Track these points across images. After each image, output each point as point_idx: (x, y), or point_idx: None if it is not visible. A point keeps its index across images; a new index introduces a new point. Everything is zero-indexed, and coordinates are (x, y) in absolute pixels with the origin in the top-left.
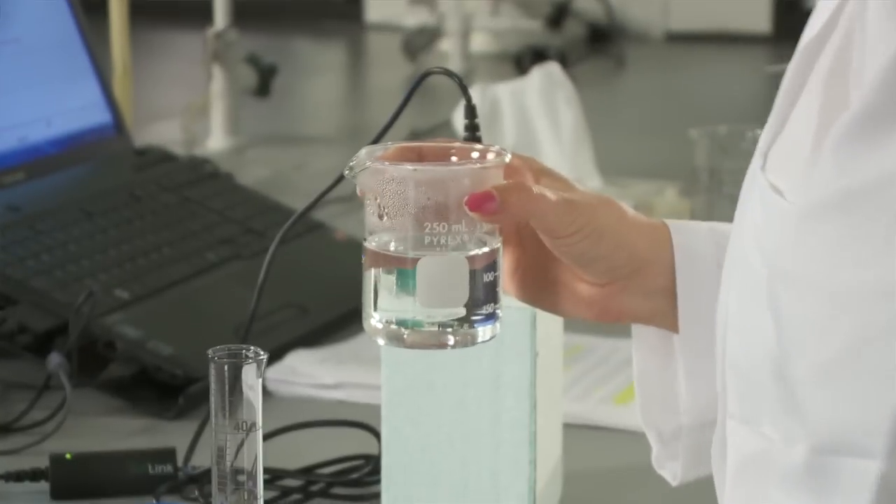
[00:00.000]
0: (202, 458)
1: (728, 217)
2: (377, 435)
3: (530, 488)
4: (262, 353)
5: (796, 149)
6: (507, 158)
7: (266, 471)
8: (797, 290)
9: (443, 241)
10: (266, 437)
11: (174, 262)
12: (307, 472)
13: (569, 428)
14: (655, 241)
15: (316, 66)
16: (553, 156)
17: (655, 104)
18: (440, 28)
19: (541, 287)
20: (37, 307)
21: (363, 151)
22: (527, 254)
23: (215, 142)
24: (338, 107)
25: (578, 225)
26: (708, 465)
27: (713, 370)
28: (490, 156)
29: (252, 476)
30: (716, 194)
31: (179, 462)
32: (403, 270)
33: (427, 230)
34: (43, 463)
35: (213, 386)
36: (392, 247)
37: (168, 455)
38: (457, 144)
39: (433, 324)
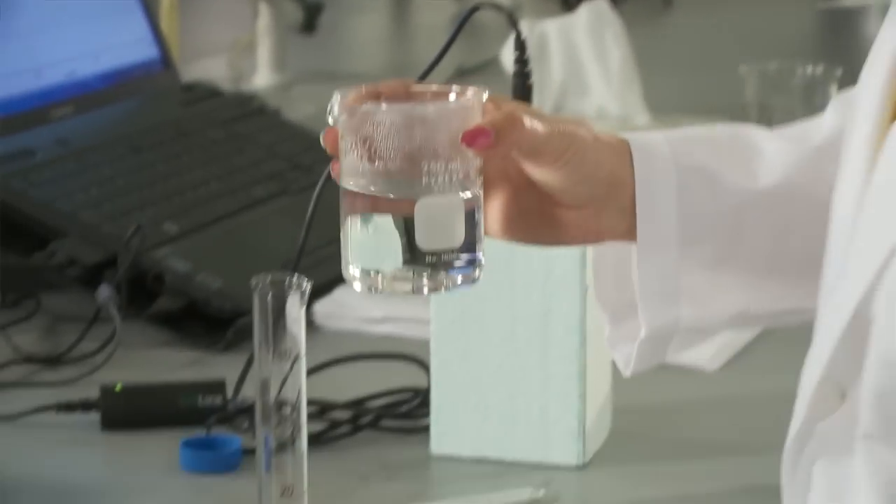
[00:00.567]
0: (251, 390)
1: None
2: (426, 368)
3: (580, 422)
4: (305, 281)
5: None
6: (486, 95)
7: (314, 403)
8: None
9: (440, 180)
10: (314, 370)
11: (222, 197)
12: (356, 404)
13: None
14: (623, 157)
15: (362, 3)
16: (601, 93)
17: (704, 41)
18: None
19: (524, 223)
20: (86, 240)
21: (337, 96)
22: (510, 191)
23: (261, 78)
24: (384, 43)
25: (563, 149)
26: (660, 356)
27: (665, 266)
28: (469, 92)
29: (296, 408)
30: None
31: (229, 394)
32: (381, 215)
33: (424, 170)
34: (93, 394)
35: (256, 316)
36: (382, 190)
37: (218, 387)
38: (421, 87)
39: (415, 268)
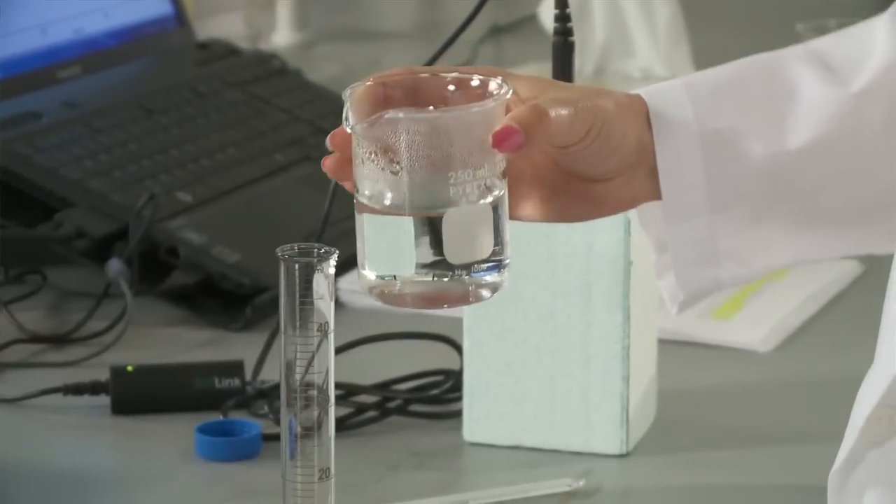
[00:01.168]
0: (271, 372)
1: None
2: (458, 349)
3: (623, 407)
4: (333, 251)
5: None
6: (508, 88)
7: (339, 386)
8: None
9: (467, 189)
10: (339, 350)
11: (240, 164)
12: (383, 387)
13: (663, 344)
14: (644, 117)
15: None
16: (647, 53)
17: None
18: None
19: (555, 203)
20: (95, 210)
21: (348, 92)
22: (537, 174)
23: (281, 36)
24: None
25: (587, 127)
26: (705, 285)
27: (698, 234)
28: (492, 85)
29: (323, 390)
30: None
31: (247, 376)
32: (401, 222)
33: (451, 181)
34: (103, 375)
35: (282, 289)
36: (405, 201)
37: (236, 368)
38: (430, 73)
39: (436, 273)
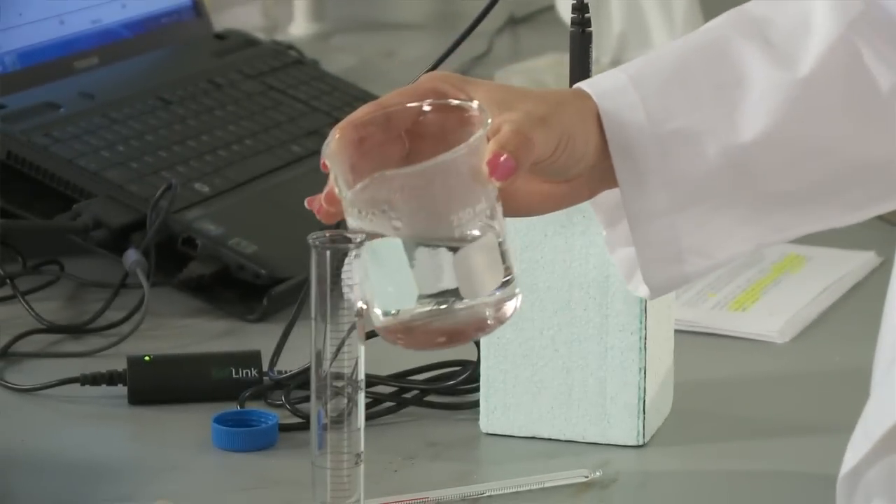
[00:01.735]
0: (288, 363)
1: None
2: (476, 340)
3: (639, 398)
4: (363, 237)
5: None
6: (476, 105)
7: None
8: None
9: (471, 227)
10: None
11: (257, 155)
12: (400, 378)
13: (680, 335)
14: (597, 118)
15: None
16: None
17: None
18: None
19: (516, 205)
20: (112, 201)
21: (328, 161)
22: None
23: (298, 27)
24: None
25: (555, 143)
26: (673, 282)
27: (661, 234)
28: (472, 111)
29: (353, 381)
30: None
31: (264, 366)
32: (400, 262)
33: (455, 223)
34: (120, 366)
35: (313, 276)
36: (410, 249)
37: (253, 358)
38: (397, 104)
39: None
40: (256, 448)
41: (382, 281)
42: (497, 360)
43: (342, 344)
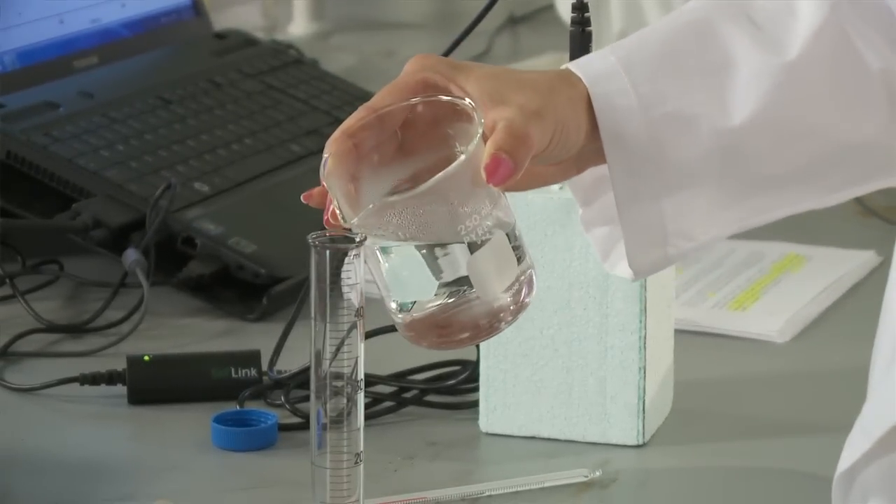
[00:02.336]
0: (288, 362)
1: None
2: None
3: (639, 397)
4: (363, 237)
5: None
6: (470, 104)
7: None
8: None
9: (480, 231)
10: None
11: (257, 154)
12: (400, 378)
13: (680, 334)
14: (585, 100)
15: None
16: None
17: None
18: None
19: (513, 185)
20: (112, 200)
21: (326, 183)
22: None
23: (298, 27)
24: None
25: (550, 135)
26: (656, 264)
27: (649, 217)
28: (459, 102)
29: (352, 381)
30: None
31: (264, 366)
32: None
33: (463, 232)
34: (119, 365)
35: (313, 276)
36: (429, 283)
37: (252, 358)
38: (388, 104)
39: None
40: (256, 448)
41: (396, 276)
42: (497, 359)
43: (342, 344)
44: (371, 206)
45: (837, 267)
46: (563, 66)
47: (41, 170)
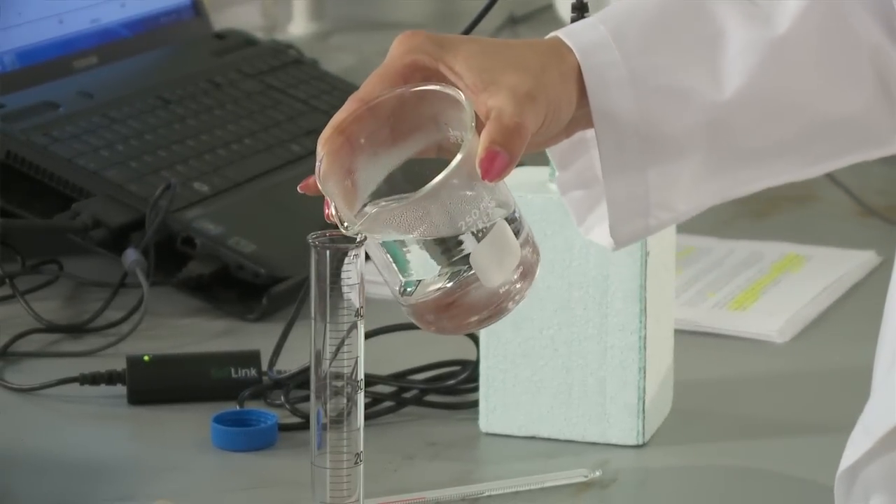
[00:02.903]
0: (288, 362)
1: None
2: (475, 339)
3: (639, 398)
4: (364, 237)
5: None
6: (462, 99)
7: None
8: None
9: (480, 224)
10: None
11: (257, 154)
12: (400, 378)
13: (680, 334)
14: (576, 71)
15: None
16: None
17: None
18: None
19: None
20: (111, 200)
21: (322, 186)
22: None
23: (297, 27)
24: None
25: (542, 117)
26: (635, 234)
27: (633, 187)
28: (450, 92)
29: (352, 381)
30: None
31: (264, 366)
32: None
33: (463, 228)
34: (119, 365)
35: (312, 276)
36: (431, 264)
37: (252, 358)
38: (378, 94)
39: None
40: (256, 448)
41: (397, 264)
42: (497, 359)
43: (341, 343)
44: (368, 214)
45: (837, 267)
46: (553, 34)
47: (41, 170)
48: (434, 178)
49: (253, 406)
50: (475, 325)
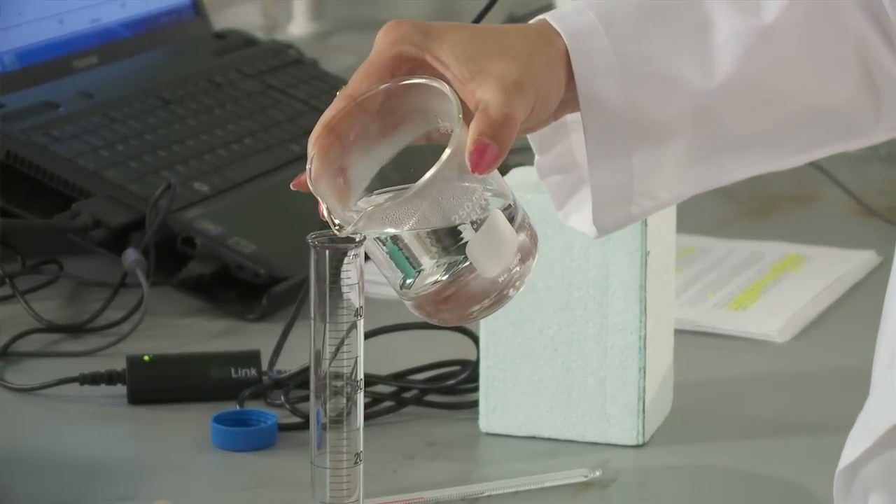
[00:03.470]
0: (288, 362)
1: None
2: (475, 339)
3: (639, 398)
4: (363, 237)
5: None
6: (449, 92)
7: None
8: None
9: (473, 216)
10: None
11: (257, 154)
12: (400, 377)
13: (680, 334)
14: (563, 56)
15: None
16: None
17: None
18: None
19: None
20: (111, 200)
21: (314, 188)
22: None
23: (298, 26)
24: None
25: (531, 105)
26: (618, 223)
27: (619, 176)
28: (436, 85)
29: (352, 381)
30: None
31: (264, 366)
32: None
33: (457, 221)
34: (119, 365)
35: (312, 276)
36: (428, 257)
37: (252, 358)
38: (367, 89)
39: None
40: (256, 448)
41: (395, 258)
42: (497, 359)
43: (341, 343)
44: (359, 216)
45: (837, 267)
46: (540, 18)
47: (41, 170)
48: (425, 171)
49: (253, 406)
50: (477, 314)
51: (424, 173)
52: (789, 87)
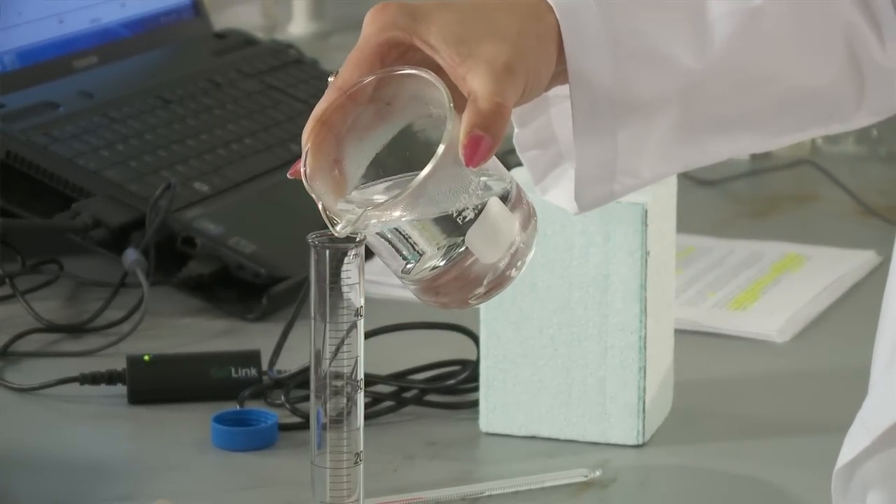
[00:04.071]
0: (288, 362)
1: None
2: (475, 339)
3: (639, 397)
4: (363, 236)
5: None
6: (441, 86)
7: None
8: None
9: (470, 208)
10: None
11: (257, 154)
12: (400, 377)
13: (680, 334)
14: (554, 29)
15: None
16: None
17: None
18: None
19: None
20: (111, 200)
21: (308, 186)
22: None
23: (298, 26)
24: None
25: (523, 86)
26: (599, 200)
27: (604, 153)
28: (426, 76)
29: (352, 381)
30: None
31: (264, 366)
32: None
33: (455, 214)
34: (119, 365)
35: (312, 276)
36: (428, 244)
37: (252, 358)
38: (357, 81)
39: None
40: (256, 447)
41: (394, 246)
42: (497, 359)
43: (341, 343)
44: (357, 217)
45: (837, 267)
46: None
47: (41, 169)
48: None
49: (253, 406)
50: (480, 298)
51: (419, 157)
52: (776, 68)
